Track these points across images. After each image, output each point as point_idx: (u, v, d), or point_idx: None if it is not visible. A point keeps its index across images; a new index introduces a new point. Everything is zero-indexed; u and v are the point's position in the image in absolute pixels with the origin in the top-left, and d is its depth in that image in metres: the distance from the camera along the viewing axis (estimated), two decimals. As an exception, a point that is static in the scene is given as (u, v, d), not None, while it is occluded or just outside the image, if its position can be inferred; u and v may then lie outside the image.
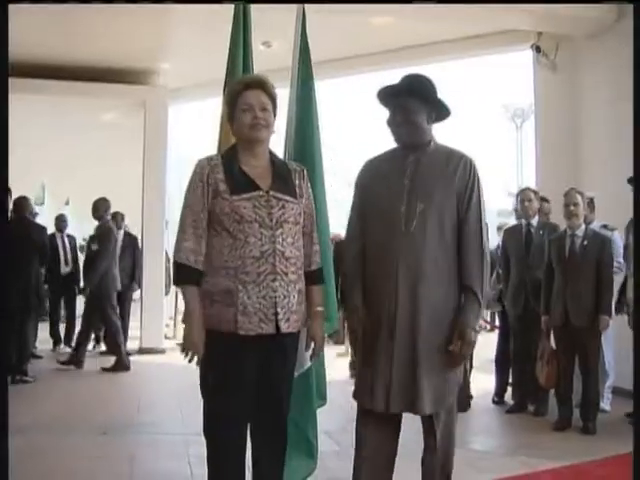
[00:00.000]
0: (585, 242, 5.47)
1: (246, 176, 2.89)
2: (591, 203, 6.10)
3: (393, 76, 3.17)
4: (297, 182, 3.02)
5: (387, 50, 9.61)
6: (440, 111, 3.12)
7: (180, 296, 9.08)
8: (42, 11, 7.71)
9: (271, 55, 8.25)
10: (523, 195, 6.25)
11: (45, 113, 11.64)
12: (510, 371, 6.51)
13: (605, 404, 6.01)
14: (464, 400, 3.05)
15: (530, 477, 4.35)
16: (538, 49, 8.36)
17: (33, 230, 7.70)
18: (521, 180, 15.65)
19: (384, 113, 3.15)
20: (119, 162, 11.89)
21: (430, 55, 9.68)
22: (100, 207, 8.57)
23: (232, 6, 3.63)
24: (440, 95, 3.09)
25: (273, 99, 2.98)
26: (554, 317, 5.51)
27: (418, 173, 3.04)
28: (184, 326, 2.89)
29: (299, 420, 3.52)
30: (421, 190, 2.99)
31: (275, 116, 3.01)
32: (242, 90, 2.93)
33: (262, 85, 2.96)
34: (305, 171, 3.10)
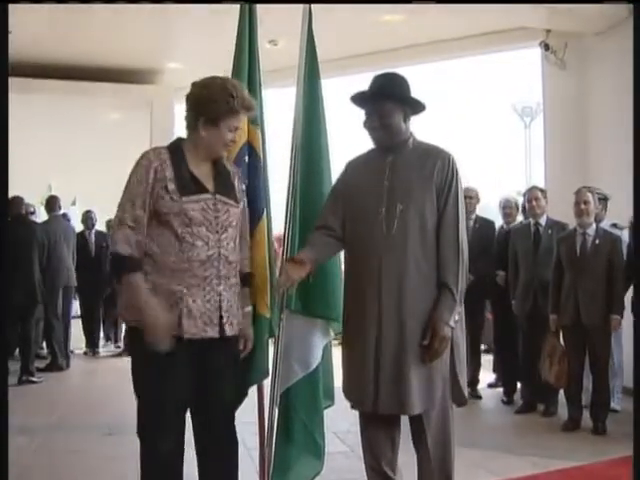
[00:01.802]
0: (597, 241, 5.44)
1: (193, 177, 2.85)
2: (604, 201, 6.07)
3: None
4: (236, 185, 3.02)
5: (395, 48, 9.59)
6: (415, 107, 3.13)
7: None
8: (49, 11, 7.74)
9: (277, 53, 8.26)
10: (531, 194, 6.24)
11: (51, 113, 11.68)
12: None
13: (616, 404, 5.99)
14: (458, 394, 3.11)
15: (539, 478, 4.34)
16: (547, 47, 8.33)
17: (33, 228, 7.69)
18: (530, 179, 15.57)
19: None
20: (125, 161, 11.87)
21: (438, 53, 9.67)
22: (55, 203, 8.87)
23: (238, 4, 3.62)
24: (413, 93, 3.12)
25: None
26: (564, 316, 5.49)
27: (396, 173, 3.06)
28: (142, 317, 2.71)
29: (306, 420, 3.53)
30: (400, 191, 3.02)
31: None
32: (240, 111, 2.88)
33: (252, 111, 2.99)
34: (239, 173, 3.14)
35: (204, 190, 2.85)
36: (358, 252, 3.08)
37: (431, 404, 3.00)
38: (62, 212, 10.18)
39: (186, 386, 2.83)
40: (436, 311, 2.95)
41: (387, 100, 3.05)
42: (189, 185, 2.81)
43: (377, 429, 3.15)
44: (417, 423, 3.06)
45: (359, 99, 3.15)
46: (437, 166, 3.02)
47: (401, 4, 7.25)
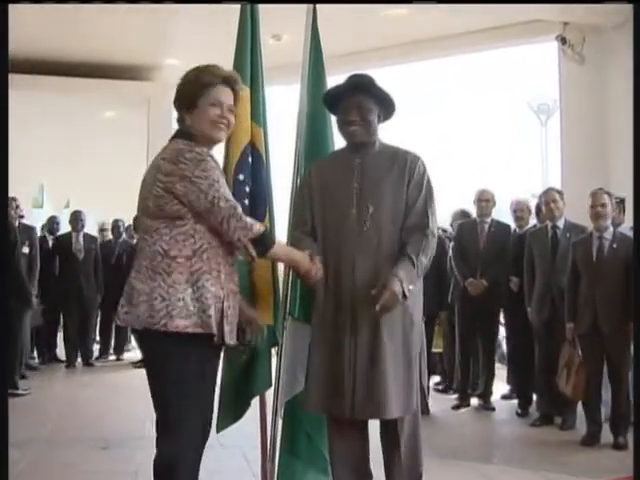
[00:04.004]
0: (614, 245, 5.42)
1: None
2: (621, 204, 6.06)
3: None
4: None
5: (403, 43, 9.63)
6: (386, 113, 3.28)
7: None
8: (45, 7, 7.78)
9: (281, 49, 8.29)
10: (547, 196, 6.23)
11: (44, 110, 11.73)
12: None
13: (637, 417, 5.97)
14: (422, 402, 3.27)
15: (556, 494, 4.34)
16: (564, 40, 8.35)
17: (15, 233, 7.62)
18: (546, 179, 15.57)
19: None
20: (122, 160, 11.95)
21: (448, 48, 9.69)
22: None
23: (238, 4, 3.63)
24: (390, 95, 3.23)
25: (237, 101, 2.98)
26: (581, 324, 5.48)
27: (365, 175, 3.19)
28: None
29: (311, 433, 3.53)
30: (370, 192, 3.15)
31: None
32: (217, 83, 2.87)
33: (236, 84, 2.93)
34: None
35: None
36: (330, 253, 3.18)
37: (409, 409, 3.08)
38: (52, 215, 10.21)
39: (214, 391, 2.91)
40: (392, 269, 3.01)
41: (369, 97, 3.19)
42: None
43: (348, 437, 3.23)
44: (391, 428, 3.14)
45: (339, 94, 3.25)
46: (407, 167, 3.17)
47: (406, 3, 7.26)
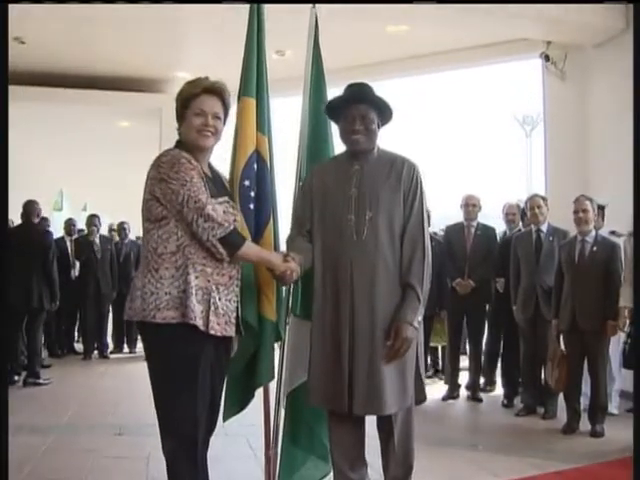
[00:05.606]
0: (594, 248, 5.44)
1: (210, 179, 2.86)
2: (601, 210, 6.06)
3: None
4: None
5: (399, 59, 9.62)
6: (384, 119, 3.21)
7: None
8: (60, 20, 7.78)
9: (284, 63, 8.29)
10: (532, 202, 6.23)
11: (63, 121, 11.75)
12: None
13: (613, 408, 5.97)
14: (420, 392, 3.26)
15: (538, 479, 4.33)
16: (547, 58, 8.37)
17: (48, 235, 7.61)
18: (530, 186, 15.58)
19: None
20: (135, 168, 11.95)
21: (441, 64, 9.70)
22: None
23: (246, 15, 3.62)
24: (388, 102, 3.18)
25: (227, 108, 2.96)
26: (563, 321, 5.49)
27: (364, 181, 3.12)
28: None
29: (313, 423, 3.51)
30: (368, 198, 3.08)
31: (225, 124, 2.99)
32: (199, 94, 2.86)
33: (220, 93, 2.91)
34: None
35: (224, 192, 2.92)
36: (328, 256, 3.11)
37: (404, 403, 3.06)
38: (69, 217, 10.21)
39: (209, 382, 2.85)
40: (400, 312, 3.00)
41: (372, 106, 3.13)
42: (211, 187, 2.82)
43: (346, 429, 3.19)
44: (386, 422, 3.12)
45: (342, 103, 3.19)
46: (403, 174, 3.11)
47: (405, 11, 7.22)
